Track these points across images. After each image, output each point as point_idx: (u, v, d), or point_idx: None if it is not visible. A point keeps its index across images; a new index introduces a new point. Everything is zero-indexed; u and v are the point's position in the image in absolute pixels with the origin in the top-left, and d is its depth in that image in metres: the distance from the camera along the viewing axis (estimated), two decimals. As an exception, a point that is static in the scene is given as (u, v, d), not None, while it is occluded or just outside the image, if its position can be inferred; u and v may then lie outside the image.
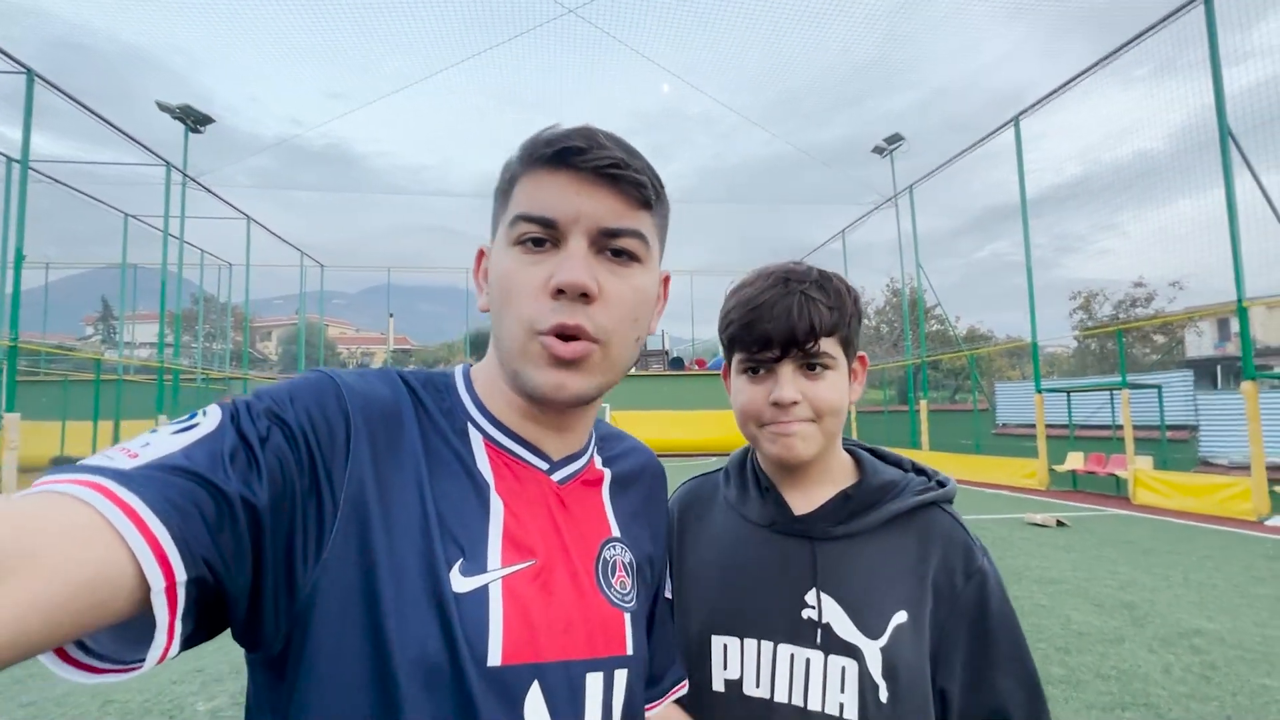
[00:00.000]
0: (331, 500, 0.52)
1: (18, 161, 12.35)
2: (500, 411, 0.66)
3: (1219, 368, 27.61)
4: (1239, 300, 9.80)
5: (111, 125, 15.05)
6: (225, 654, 4.00)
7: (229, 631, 0.50)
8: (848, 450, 0.94)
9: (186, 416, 0.51)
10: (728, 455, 1.03)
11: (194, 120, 18.96)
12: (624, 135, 0.62)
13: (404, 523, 0.55)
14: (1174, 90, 12.01)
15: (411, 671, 0.50)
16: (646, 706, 0.75)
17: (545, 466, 0.66)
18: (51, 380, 20.83)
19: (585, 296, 0.58)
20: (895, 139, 21.59)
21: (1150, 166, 13.98)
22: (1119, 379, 13.57)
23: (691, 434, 22.92)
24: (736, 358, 0.88)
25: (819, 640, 0.80)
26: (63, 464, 0.41)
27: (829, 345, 0.83)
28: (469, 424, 0.65)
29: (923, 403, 20.00)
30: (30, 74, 12.21)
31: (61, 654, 0.41)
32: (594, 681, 0.60)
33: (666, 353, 29.23)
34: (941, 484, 0.90)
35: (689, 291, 32.42)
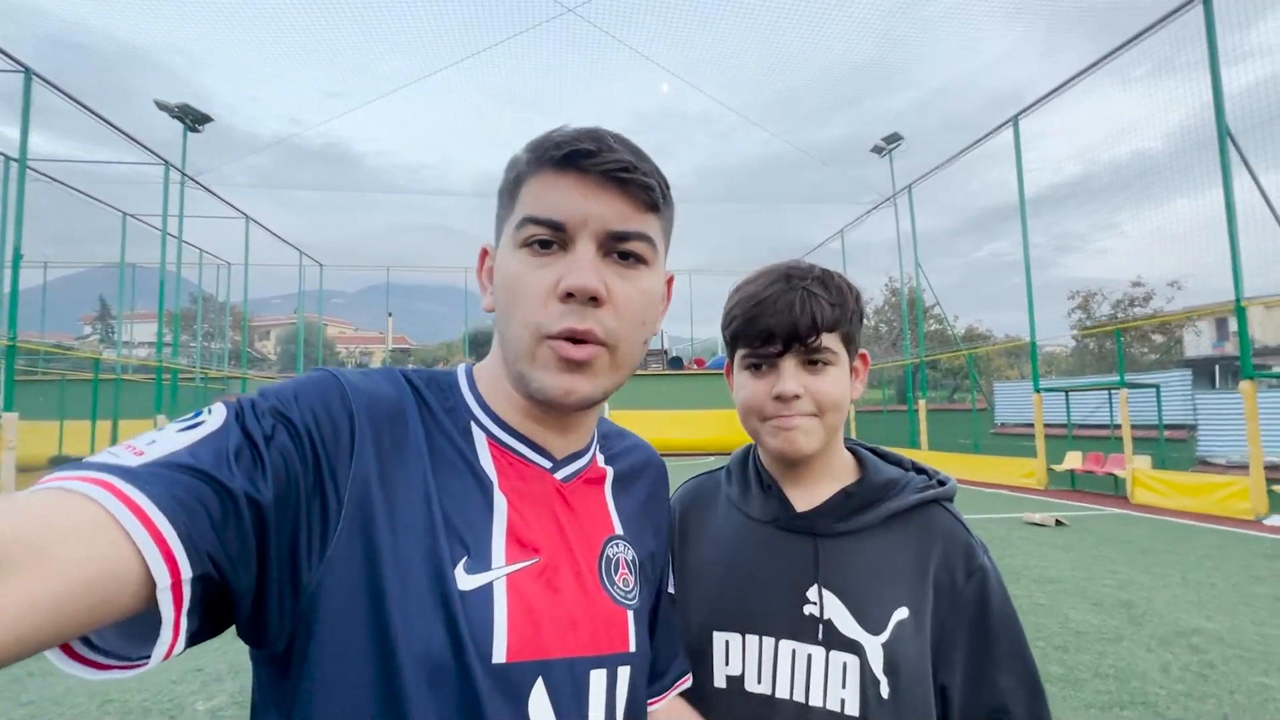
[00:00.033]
0: (336, 498, 0.52)
1: (15, 160, 12.32)
2: (503, 410, 0.66)
3: (1217, 367, 27.67)
4: (1237, 300, 9.82)
5: (110, 124, 15.02)
6: (225, 653, 4.00)
7: (231, 629, 0.50)
8: (849, 449, 0.95)
9: (192, 415, 0.51)
10: (726, 455, 1.03)
11: (192, 119, 18.93)
12: (623, 135, 0.62)
13: (409, 521, 0.55)
14: (1172, 90, 12.04)
15: (416, 669, 0.51)
16: (652, 700, 0.76)
17: (549, 465, 0.67)
18: (49, 379, 20.78)
19: (594, 300, 0.58)
20: (894, 138, 21.60)
21: (1149, 166, 14.01)
22: (1117, 378, 13.59)
23: (690, 433, 22.92)
24: (739, 353, 0.88)
25: (820, 636, 0.80)
26: (61, 463, 0.41)
27: (831, 341, 0.83)
28: (472, 423, 0.65)
29: (921, 402, 20.02)
30: (28, 72, 12.18)
31: (68, 650, 0.41)
32: (597, 678, 0.60)
33: (665, 352, 29.21)
34: (942, 483, 0.90)
35: (688, 291, 32.48)
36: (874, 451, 0.95)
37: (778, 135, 25.33)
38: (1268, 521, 9.05)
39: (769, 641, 0.82)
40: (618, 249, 0.60)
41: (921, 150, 21.00)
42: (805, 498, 0.89)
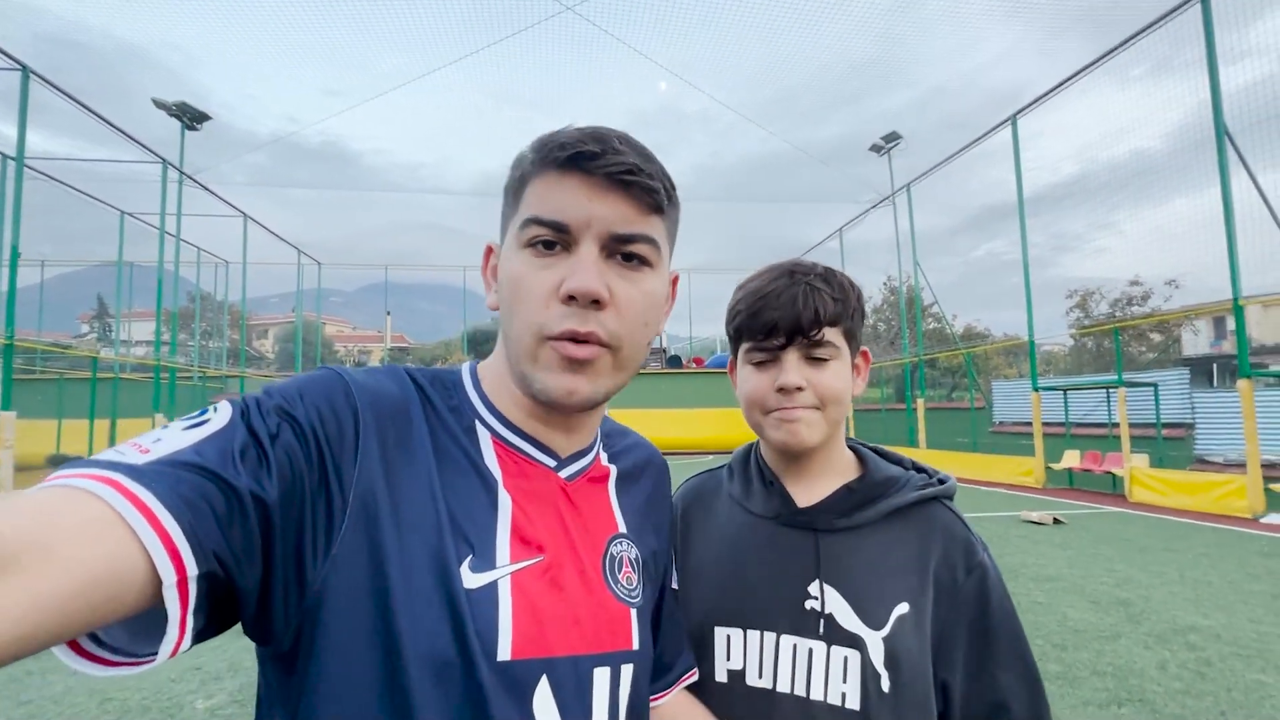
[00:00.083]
0: (341, 497, 0.52)
1: (13, 159, 12.29)
2: (507, 409, 0.66)
3: (1215, 366, 27.73)
4: (1235, 299, 9.84)
5: (108, 123, 14.98)
6: (224, 652, 4.01)
7: (236, 626, 0.51)
8: (850, 447, 0.96)
9: (197, 412, 0.51)
10: (725, 453, 1.04)
11: (190, 118, 18.87)
12: (629, 135, 0.62)
13: (414, 519, 0.55)
14: (1171, 89, 12.07)
15: (422, 667, 0.51)
16: (659, 695, 0.76)
17: (553, 464, 0.67)
18: (47, 378, 20.75)
19: (596, 303, 0.58)
20: (893, 137, 21.60)
21: (1147, 165, 14.06)
22: (1115, 377, 13.61)
23: (689, 432, 22.91)
24: (743, 348, 0.89)
25: (821, 631, 0.81)
26: (59, 462, 0.41)
27: (833, 335, 0.85)
28: (477, 421, 0.65)
29: (920, 401, 20.05)
30: (25, 70, 12.14)
31: (75, 647, 0.42)
32: (601, 676, 0.60)
33: (664, 351, 29.20)
34: (942, 481, 0.91)
35: (686, 290, 32.44)
36: (875, 450, 0.96)
37: (776, 134, 25.32)
38: (1265, 520, 9.08)
39: (770, 636, 0.82)
40: (621, 251, 0.60)
41: (920, 149, 21.03)
42: (807, 494, 0.89)
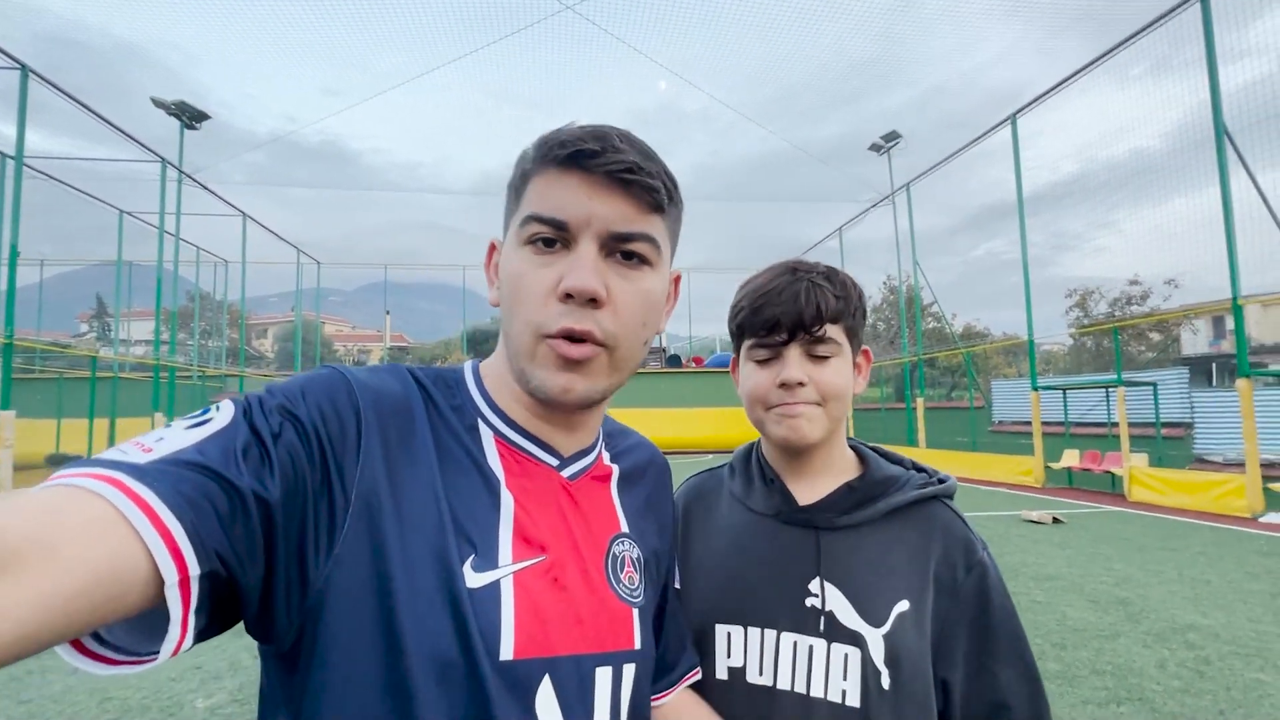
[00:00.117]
0: (343, 495, 0.52)
1: (12, 158, 12.28)
2: (510, 408, 0.66)
3: (1214, 365, 27.76)
4: (1234, 298, 9.84)
5: (107, 122, 14.97)
6: (224, 651, 4.01)
7: (239, 625, 0.51)
8: (851, 446, 0.96)
9: (200, 412, 0.51)
10: (724, 453, 1.04)
11: (189, 117, 18.86)
12: (631, 133, 0.62)
13: (416, 518, 0.55)
14: (1170, 88, 12.08)
15: (425, 666, 0.51)
16: (663, 694, 0.77)
17: (555, 463, 0.67)
18: (47, 378, 20.74)
19: (594, 301, 0.58)
20: (892, 136, 21.59)
21: (1146, 165, 14.08)
22: (1115, 376, 13.62)
23: (688, 431, 22.93)
24: (746, 344, 0.90)
25: (822, 628, 0.81)
26: (58, 461, 0.41)
27: (835, 332, 0.85)
28: (479, 420, 0.65)
29: (919, 400, 20.06)
30: (24, 69, 12.13)
31: (78, 645, 0.42)
32: (603, 676, 0.60)
33: (664, 350, 29.21)
34: (942, 481, 0.92)
35: (686, 289, 31.81)
36: (875, 450, 0.97)
37: (776, 133, 25.33)
38: (1264, 519, 9.09)
39: (770, 634, 0.83)
40: (620, 249, 0.60)
41: (920, 148, 21.04)
42: (808, 491, 0.90)
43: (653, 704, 0.73)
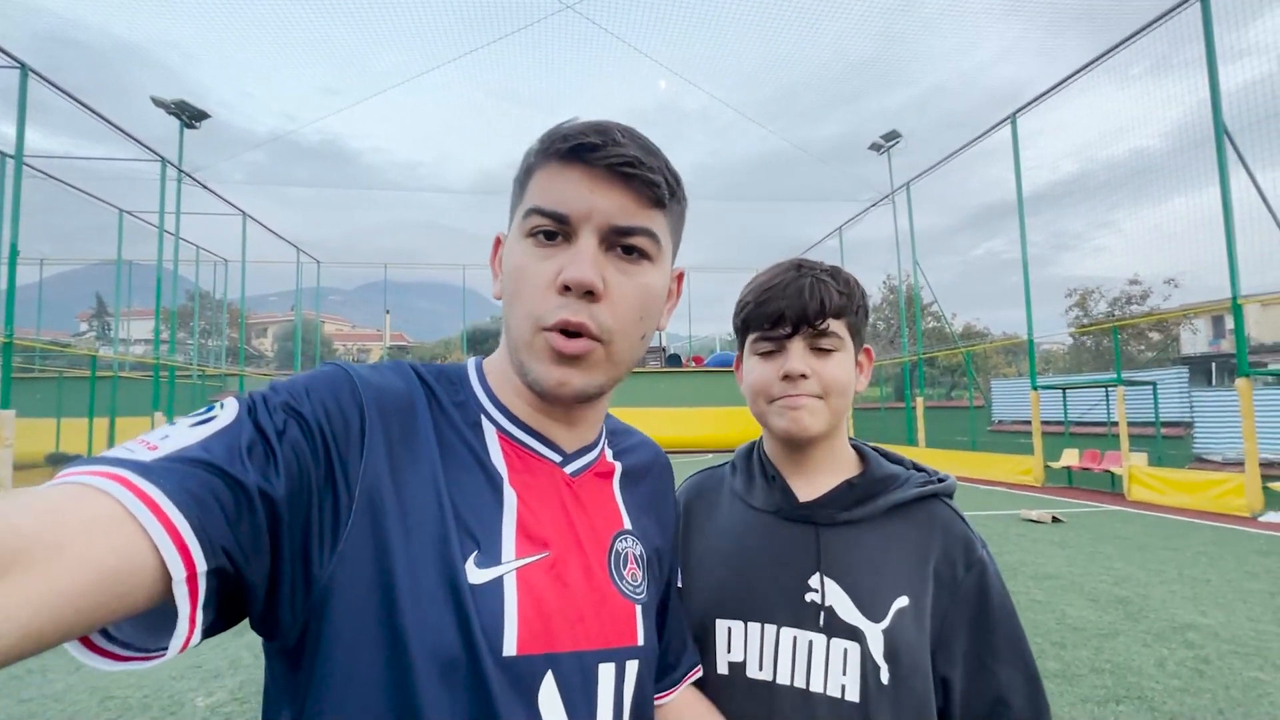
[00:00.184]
0: (347, 493, 0.53)
1: (11, 157, 12.27)
2: (512, 404, 0.67)
3: (1214, 365, 27.77)
4: (1234, 298, 9.85)
5: (106, 121, 14.97)
6: (224, 650, 4.01)
7: (222, 631, 0.51)
8: (852, 445, 0.97)
9: (204, 409, 0.52)
10: (724, 452, 1.05)
11: (189, 116, 18.83)
12: (634, 129, 0.63)
13: (419, 515, 0.55)
14: (1170, 88, 12.07)
15: (428, 662, 0.51)
16: (666, 692, 0.77)
17: (558, 459, 0.67)
18: (46, 377, 20.73)
19: (591, 294, 0.58)
20: (892, 136, 21.57)
21: (1146, 164, 14.08)
22: (1114, 376, 13.63)
23: (688, 431, 22.93)
24: (750, 339, 0.91)
25: (821, 623, 0.81)
26: (58, 461, 0.41)
27: (838, 327, 0.86)
28: (482, 416, 0.65)
29: (919, 399, 20.07)
30: (24, 69, 12.12)
31: (86, 642, 0.42)
32: (606, 672, 0.61)
33: (664, 349, 29.21)
34: (941, 480, 0.92)
35: (686, 288, 32.08)
36: (876, 450, 0.97)
37: (775, 132, 25.29)
38: (1263, 518, 9.10)
39: (770, 629, 0.83)
40: (620, 243, 0.61)
41: (920, 148, 21.01)
42: (808, 488, 0.90)
43: (655, 703, 0.73)
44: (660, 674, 0.76)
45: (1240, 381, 9.80)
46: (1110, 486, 12.80)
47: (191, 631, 0.43)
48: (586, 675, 0.59)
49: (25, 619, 0.34)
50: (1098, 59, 13.03)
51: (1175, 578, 5.76)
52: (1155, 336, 30.74)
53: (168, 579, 0.41)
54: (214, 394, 23.45)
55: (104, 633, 0.43)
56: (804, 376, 0.84)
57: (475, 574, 0.55)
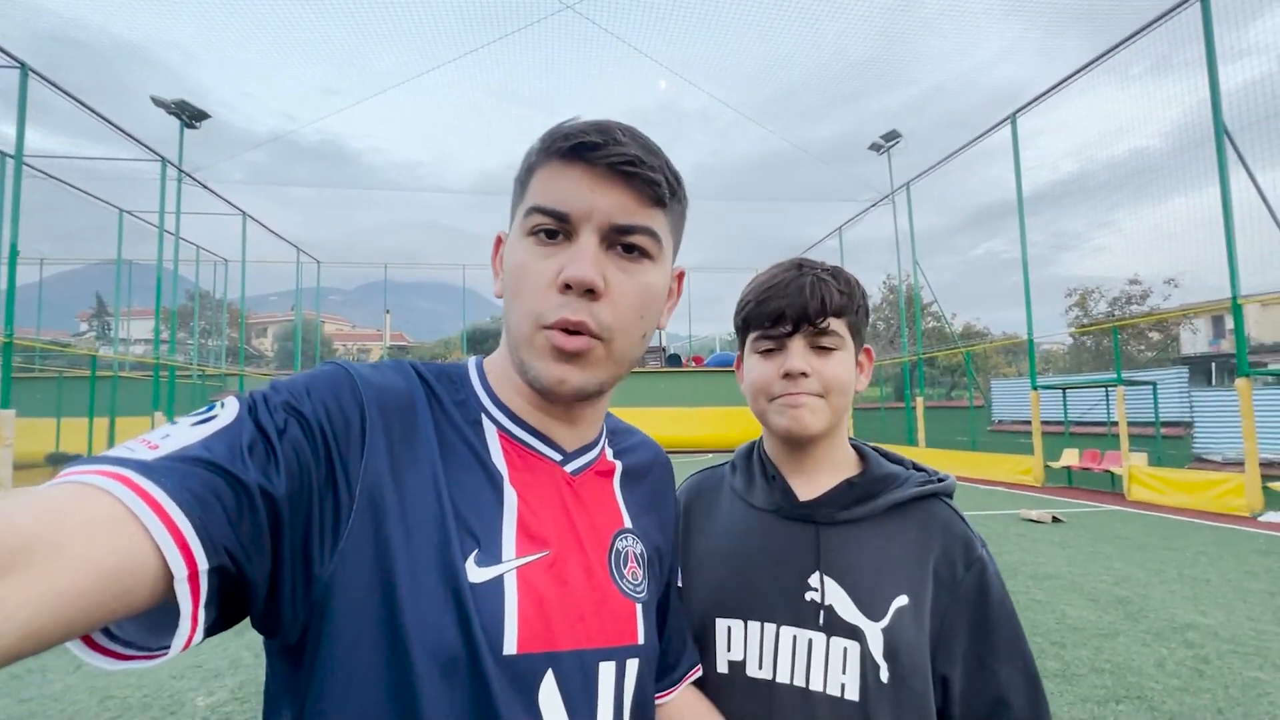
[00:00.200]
0: (348, 492, 0.53)
1: (11, 157, 12.28)
2: (513, 402, 0.67)
3: (1214, 365, 27.77)
4: (1234, 298, 9.85)
5: (106, 120, 14.97)
6: (224, 649, 4.01)
7: (224, 629, 0.51)
8: (852, 445, 0.97)
9: (205, 409, 0.52)
10: (724, 452, 1.05)
11: (189, 115, 18.83)
12: (635, 128, 0.63)
13: (419, 514, 0.55)
14: (1170, 88, 12.07)
15: (428, 661, 0.51)
16: (666, 692, 0.77)
17: (558, 457, 0.67)
18: (46, 377, 20.73)
19: (591, 293, 0.59)
20: (892, 136, 21.57)
21: (1146, 164, 14.08)
22: (1114, 376, 13.63)
23: (687, 431, 22.93)
24: (750, 338, 0.91)
25: (821, 622, 0.81)
26: (58, 460, 0.41)
27: (838, 325, 0.87)
28: (482, 415, 0.66)
29: (919, 399, 20.06)
30: (24, 68, 12.12)
31: (88, 641, 0.42)
32: (606, 670, 0.61)
33: (663, 350, 29.20)
34: (941, 479, 0.92)
35: (686, 288, 32.09)
36: (876, 450, 0.97)
37: (775, 132, 25.29)
38: (1263, 518, 9.10)
39: (770, 627, 0.83)
40: (621, 242, 0.61)
41: (920, 148, 21.01)
42: (808, 487, 0.91)
43: (655, 702, 0.73)
44: (660, 674, 0.76)
45: (1240, 381, 9.80)
46: (1110, 486, 12.81)
47: (194, 630, 0.43)
48: (587, 674, 0.59)
49: (26, 618, 0.34)
50: (1098, 59, 13.03)
51: (1175, 577, 5.76)
52: (1155, 336, 30.75)
53: (169, 578, 0.41)
54: (214, 394, 23.45)
55: (106, 631, 0.43)
56: (804, 375, 0.85)
57: (475, 573, 0.55)
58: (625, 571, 0.67)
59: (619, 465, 0.75)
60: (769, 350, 0.89)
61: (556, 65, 22.56)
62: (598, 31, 18.48)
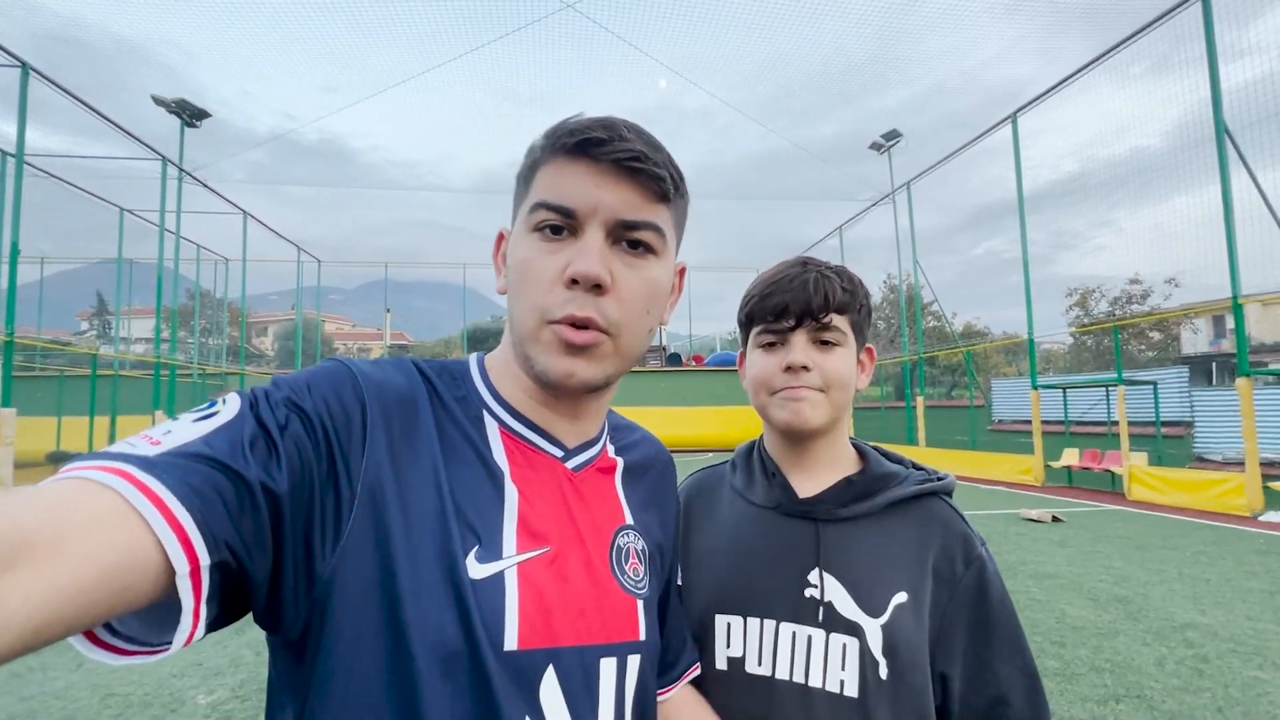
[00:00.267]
0: (349, 488, 0.53)
1: (12, 156, 12.28)
2: (514, 398, 0.67)
3: (1214, 364, 27.75)
4: (1234, 297, 9.85)
5: (107, 119, 14.97)
6: (225, 648, 4.02)
7: (225, 625, 0.51)
8: (852, 444, 0.97)
9: (206, 405, 0.52)
10: (724, 451, 1.05)
11: (190, 114, 18.82)
12: (638, 125, 0.63)
13: (420, 510, 0.56)
14: (1170, 87, 12.04)
15: (429, 656, 0.51)
16: (663, 690, 0.77)
17: (560, 454, 0.67)
18: (47, 375, 20.76)
19: (598, 288, 0.59)
20: (893, 135, 21.54)
21: (1147, 163, 14.04)
22: (1115, 375, 13.63)
23: (687, 430, 22.92)
24: (753, 332, 0.92)
25: (821, 618, 0.82)
26: (59, 459, 0.41)
27: (840, 322, 0.87)
28: (484, 411, 0.66)
29: (919, 399, 20.06)
30: (25, 67, 12.13)
31: (90, 636, 0.42)
32: (607, 666, 0.61)
33: (664, 349, 29.20)
34: (941, 478, 0.93)
35: (686, 287, 32.08)
36: (875, 449, 0.97)
37: (776, 131, 25.27)
38: (1263, 518, 9.10)
39: (770, 624, 0.83)
40: (626, 237, 0.61)
41: (920, 147, 20.98)
42: (808, 484, 0.91)
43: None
44: (659, 671, 0.76)
45: (1240, 381, 9.79)
46: (1110, 486, 12.81)
47: (195, 626, 0.43)
48: (588, 670, 0.59)
49: (28, 615, 0.34)
50: (1098, 58, 13.02)
51: (1175, 577, 5.76)
52: (1156, 336, 30.74)
53: (171, 573, 0.41)
54: (214, 393, 23.46)
55: (108, 627, 0.43)
56: (805, 369, 0.85)
57: (476, 569, 0.55)
58: (626, 568, 0.67)
59: (621, 461, 0.75)
60: (771, 344, 0.89)
61: (557, 64, 22.53)
62: (598, 30, 18.48)
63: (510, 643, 0.55)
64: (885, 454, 0.96)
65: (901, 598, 0.81)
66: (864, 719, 0.78)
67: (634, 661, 0.63)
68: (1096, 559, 6.50)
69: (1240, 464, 10.19)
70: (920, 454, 17.27)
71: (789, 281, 0.87)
